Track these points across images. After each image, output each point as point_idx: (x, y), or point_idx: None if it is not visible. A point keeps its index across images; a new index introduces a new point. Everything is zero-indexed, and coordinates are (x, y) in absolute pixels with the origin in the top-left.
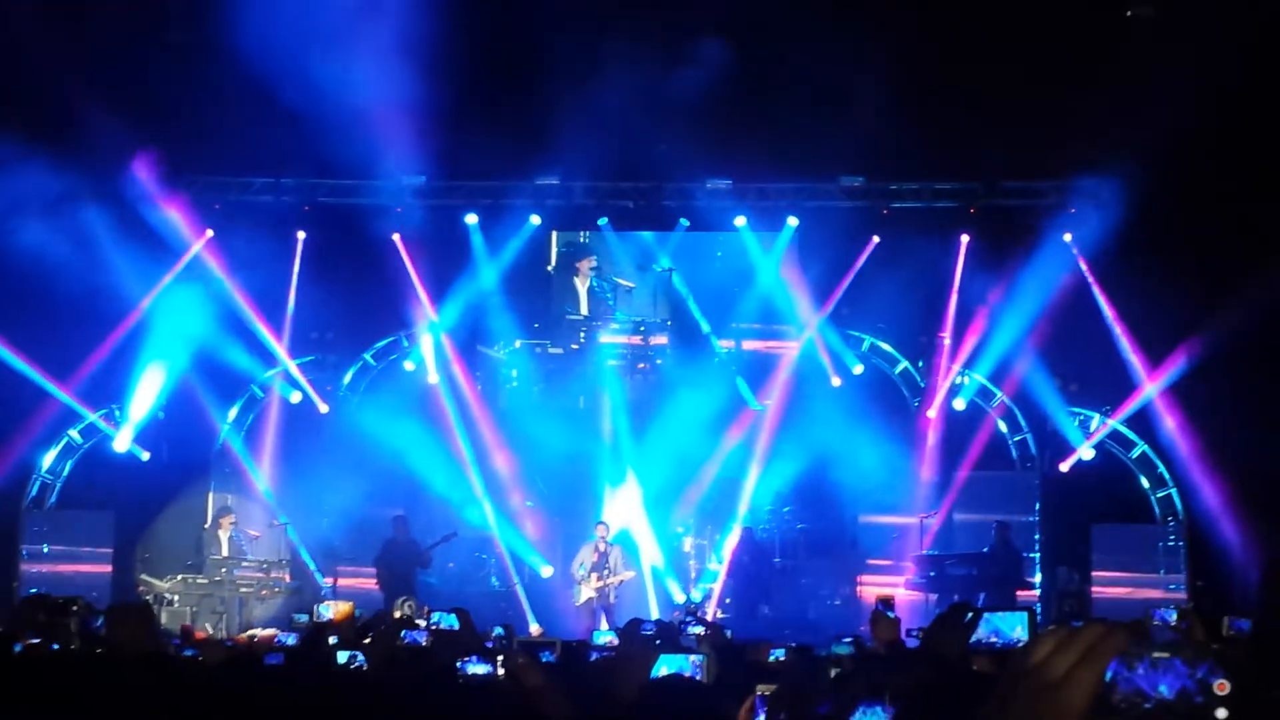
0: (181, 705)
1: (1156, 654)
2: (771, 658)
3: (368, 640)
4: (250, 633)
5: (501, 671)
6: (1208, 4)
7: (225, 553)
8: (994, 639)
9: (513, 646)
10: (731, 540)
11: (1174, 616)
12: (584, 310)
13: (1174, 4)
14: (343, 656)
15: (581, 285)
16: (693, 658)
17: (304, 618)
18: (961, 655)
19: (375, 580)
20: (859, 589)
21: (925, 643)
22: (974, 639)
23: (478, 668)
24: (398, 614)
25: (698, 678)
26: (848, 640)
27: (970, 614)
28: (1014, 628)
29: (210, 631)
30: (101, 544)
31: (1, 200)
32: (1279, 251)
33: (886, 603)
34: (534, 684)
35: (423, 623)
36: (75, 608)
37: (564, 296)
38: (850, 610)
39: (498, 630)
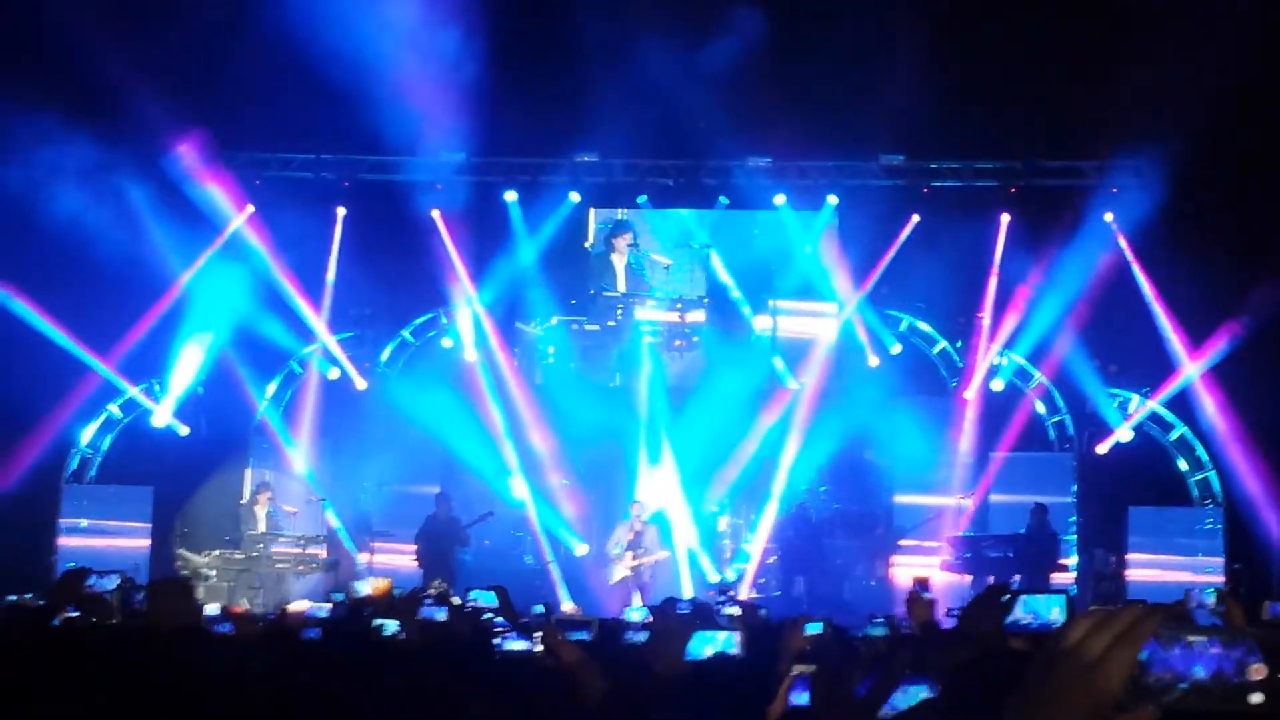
0: (221, 678)
1: (1193, 636)
2: (807, 631)
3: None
4: (285, 607)
5: (539, 648)
6: None
7: (262, 528)
8: (1030, 620)
9: (551, 624)
10: (771, 517)
11: (1213, 598)
12: (621, 287)
13: None
14: (391, 627)
15: (619, 262)
16: (735, 635)
17: (340, 596)
18: (997, 636)
19: (415, 556)
20: (893, 569)
21: (961, 624)
22: (1010, 620)
23: (516, 644)
24: (432, 592)
25: (738, 655)
26: (880, 620)
27: (1007, 596)
28: (1050, 609)
29: (247, 606)
30: (140, 519)
31: (44, 174)
32: None
33: (923, 583)
34: (571, 660)
35: (443, 598)
36: (119, 583)
37: (601, 273)
38: (884, 590)
39: (538, 608)
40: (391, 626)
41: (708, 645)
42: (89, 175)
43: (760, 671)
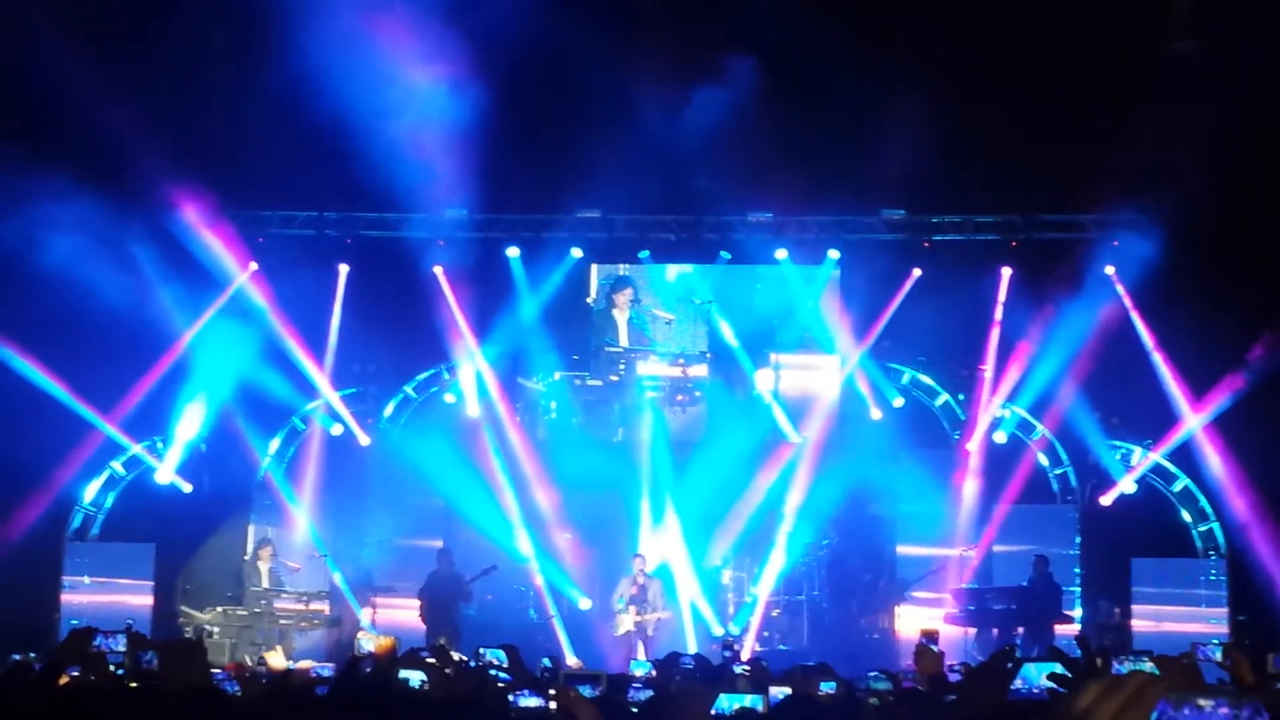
0: None
1: (1202, 699)
2: (822, 691)
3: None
4: (287, 664)
5: (553, 706)
6: (1248, 37)
7: (265, 584)
8: (1023, 687)
9: (559, 680)
10: (775, 570)
11: (1219, 653)
12: (623, 342)
13: (1215, 37)
14: (415, 681)
15: (620, 317)
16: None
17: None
18: (1000, 703)
19: (418, 612)
20: (896, 621)
21: (964, 689)
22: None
23: (530, 700)
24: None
25: (761, 712)
26: (876, 674)
27: (1011, 663)
28: (1042, 676)
29: (250, 664)
30: (142, 576)
31: (48, 232)
32: None
33: (930, 636)
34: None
35: (443, 654)
36: (127, 637)
37: (603, 328)
38: (888, 643)
39: (545, 662)
40: (416, 679)
41: (733, 702)
42: (92, 233)
43: None
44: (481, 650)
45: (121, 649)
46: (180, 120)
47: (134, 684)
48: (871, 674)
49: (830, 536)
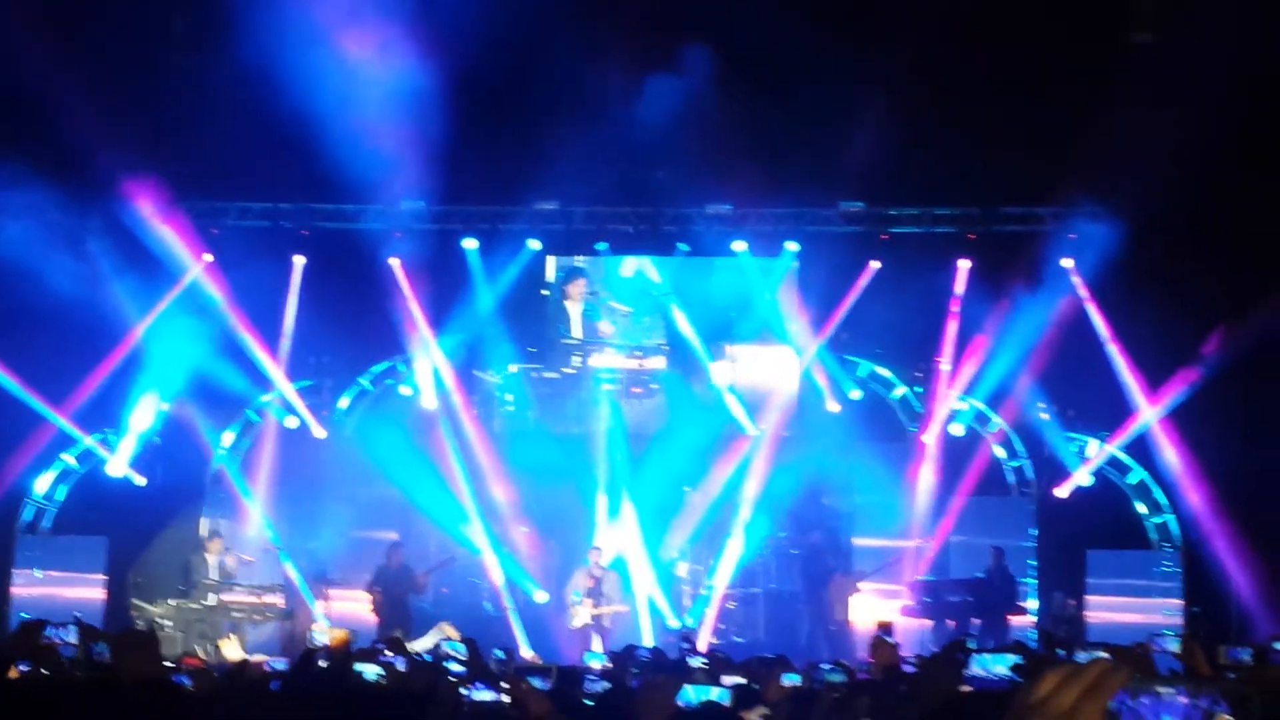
0: None
1: (1161, 686)
2: (785, 683)
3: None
4: (243, 655)
5: (506, 699)
6: (1208, 31)
7: (215, 576)
8: (982, 675)
9: (511, 671)
10: (731, 563)
11: (1175, 644)
12: (577, 333)
13: (1175, 30)
14: (371, 675)
15: (574, 308)
16: (724, 689)
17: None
18: (953, 691)
19: (371, 606)
20: (851, 612)
21: (918, 677)
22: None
23: (483, 694)
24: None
25: (724, 704)
26: (829, 666)
27: (963, 653)
28: (997, 666)
29: (204, 657)
30: (95, 569)
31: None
32: (1278, 279)
33: (886, 628)
34: (540, 711)
35: (398, 647)
36: (79, 629)
37: (559, 320)
38: (842, 634)
39: (498, 654)
40: (371, 673)
41: (698, 693)
42: (44, 223)
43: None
44: (441, 643)
45: (73, 641)
46: (135, 110)
47: (86, 676)
48: (826, 665)
49: (787, 529)
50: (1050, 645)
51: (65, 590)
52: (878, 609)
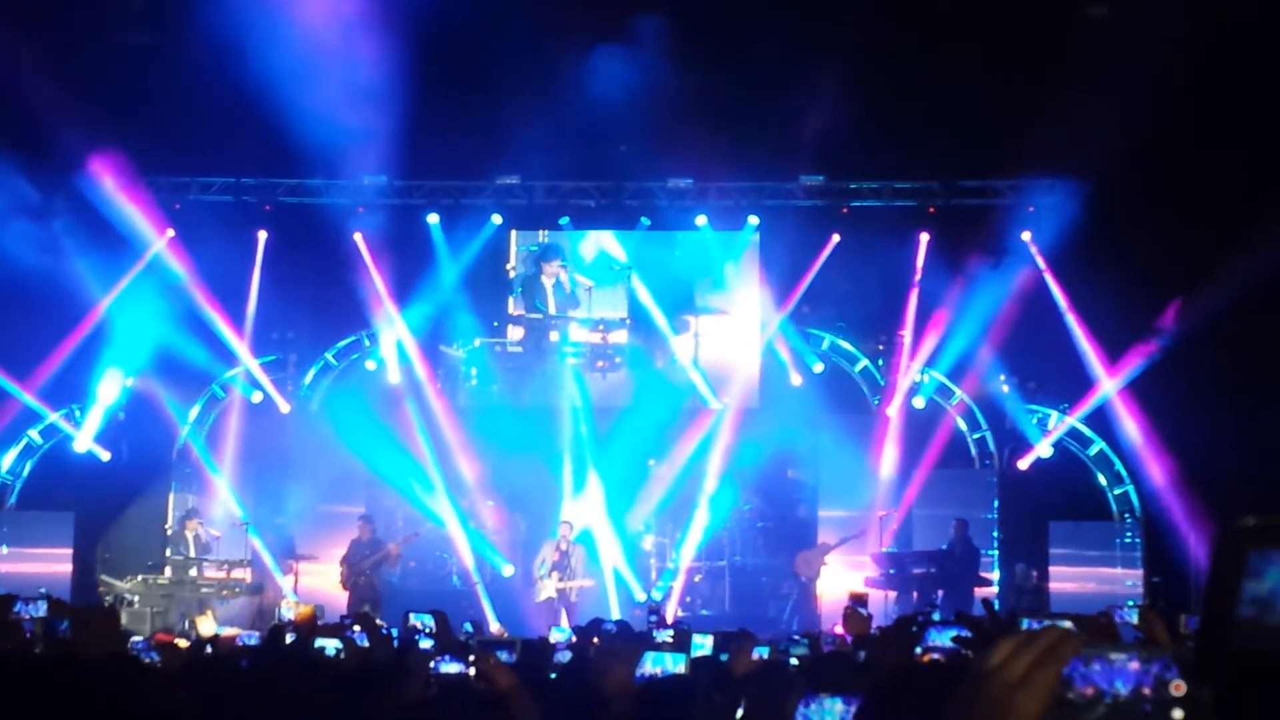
0: (149, 708)
1: (1114, 652)
2: (755, 655)
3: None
4: (216, 631)
5: (472, 671)
6: (1164, 4)
7: (192, 553)
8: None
9: (476, 645)
10: (697, 536)
11: (1135, 615)
12: (551, 309)
13: (1130, 4)
14: (330, 650)
15: (548, 284)
16: (682, 656)
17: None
18: (904, 663)
19: (340, 580)
20: (816, 585)
21: (873, 650)
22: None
23: (450, 666)
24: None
25: (683, 674)
26: (798, 636)
27: (915, 627)
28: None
29: (174, 633)
30: (61, 545)
31: None
32: (1236, 250)
33: (860, 600)
34: (505, 685)
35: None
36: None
37: (523, 294)
38: (808, 607)
39: (466, 627)
40: (332, 648)
41: (654, 664)
42: (6, 198)
43: (705, 690)
44: (410, 615)
45: (43, 616)
46: (97, 85)
47: (45, 652)
48: (792, 637)
49: (751, 501)
50: (993, 615)
51: (32, 566)
52: (845, 582)
